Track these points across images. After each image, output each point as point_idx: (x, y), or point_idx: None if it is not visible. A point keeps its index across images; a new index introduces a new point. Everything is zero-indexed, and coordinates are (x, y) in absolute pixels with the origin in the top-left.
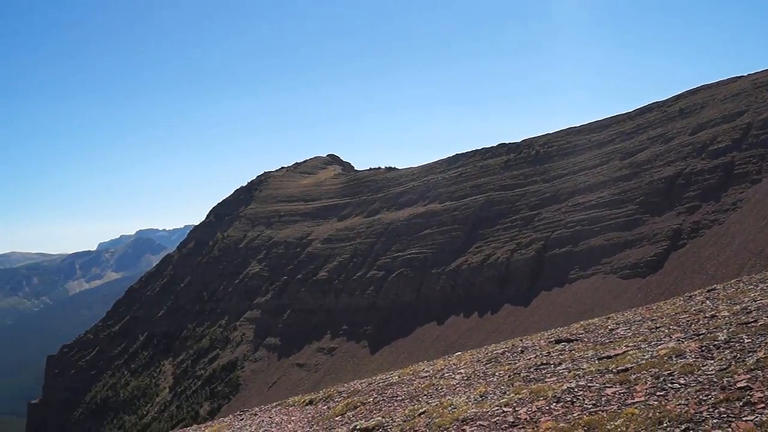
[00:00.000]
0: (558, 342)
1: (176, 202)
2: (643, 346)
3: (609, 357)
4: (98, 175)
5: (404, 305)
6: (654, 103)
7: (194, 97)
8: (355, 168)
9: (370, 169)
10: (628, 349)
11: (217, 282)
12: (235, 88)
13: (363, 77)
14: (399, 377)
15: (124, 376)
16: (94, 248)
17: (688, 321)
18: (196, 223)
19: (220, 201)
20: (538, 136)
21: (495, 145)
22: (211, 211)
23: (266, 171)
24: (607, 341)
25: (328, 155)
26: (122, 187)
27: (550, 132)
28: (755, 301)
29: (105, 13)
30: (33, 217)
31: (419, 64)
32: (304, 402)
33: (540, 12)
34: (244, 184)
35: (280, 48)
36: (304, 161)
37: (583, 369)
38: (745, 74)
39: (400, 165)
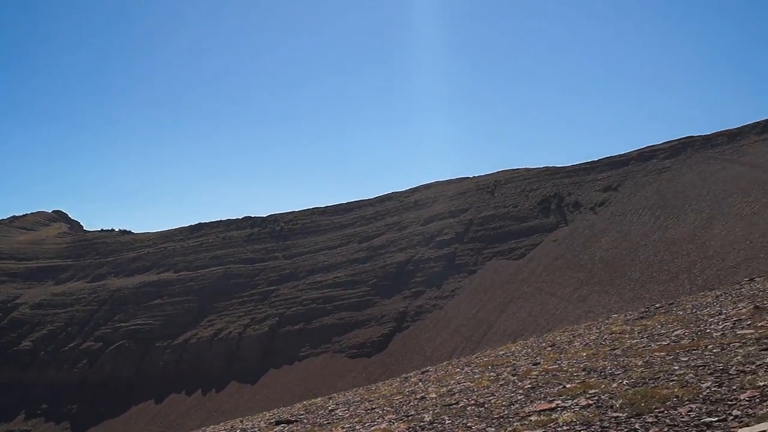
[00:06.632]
0: (278, 423)
1: None
2: (357, 427)
3: None
4: None
5: (121, 381)
6: (393, 192)
7: None
8: (85, 228)
9: (102, 230)
10: (344, 430)
11: None
12: None
13: (101, 125)
14: None
15: None
16: None
17: (400, 402)
18: None
19: None
20: (285, 213)
21: (240, 217)
22: None
23: None
24: (326, 422)
25: (53, 211)
26: None
27: (296, 210)
28: (459, 383)
29: None
30: None
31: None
32: None
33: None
34: None
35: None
36: (24, 215)
37: None
38: (471, 176)
39: (139, 229)
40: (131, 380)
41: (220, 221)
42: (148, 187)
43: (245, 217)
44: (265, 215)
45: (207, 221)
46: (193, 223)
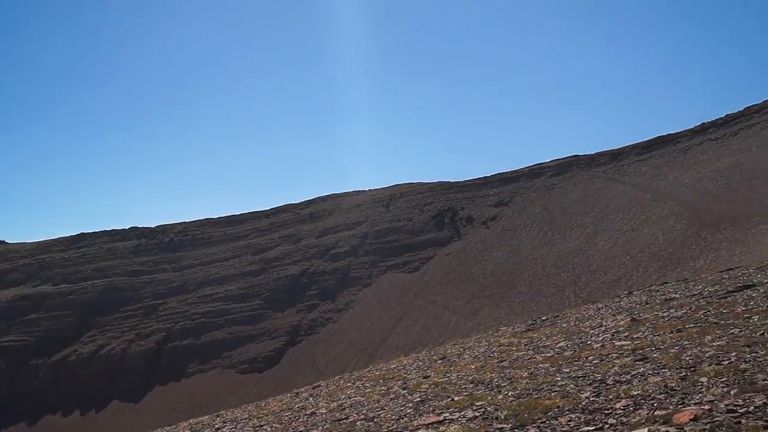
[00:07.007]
0: None
1: None
2: None
3: None
4: None
5: None
6: (288, 204)
7: None
8: None
9: None
10: None
11: None
12: None
13: None
14: None
15: None
16: None
17: (289, 419)
18: None
19: None
20: (175, 224)
21: (127, 227)
22: None
23: None
24: None
25: None
26: None
27: (187, 221)
28: (350, 398)
29: None
30: None
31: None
32: None
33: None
34: None
35: None
36: None
37: None
38: (367, 189)
39: (14, 239)
40: (1, 401)
41: (105, 231)
42: (26, 194)
43: (132, 227)
44: (153, 226)
45: (90, 231)
46: (75, 234)
